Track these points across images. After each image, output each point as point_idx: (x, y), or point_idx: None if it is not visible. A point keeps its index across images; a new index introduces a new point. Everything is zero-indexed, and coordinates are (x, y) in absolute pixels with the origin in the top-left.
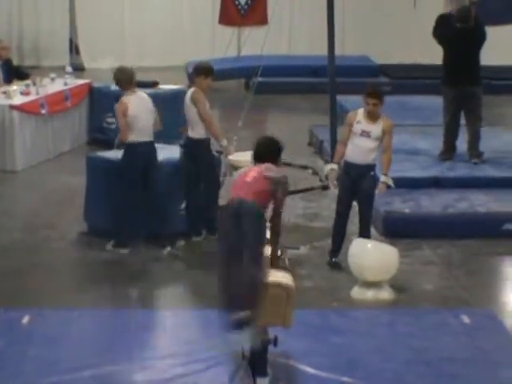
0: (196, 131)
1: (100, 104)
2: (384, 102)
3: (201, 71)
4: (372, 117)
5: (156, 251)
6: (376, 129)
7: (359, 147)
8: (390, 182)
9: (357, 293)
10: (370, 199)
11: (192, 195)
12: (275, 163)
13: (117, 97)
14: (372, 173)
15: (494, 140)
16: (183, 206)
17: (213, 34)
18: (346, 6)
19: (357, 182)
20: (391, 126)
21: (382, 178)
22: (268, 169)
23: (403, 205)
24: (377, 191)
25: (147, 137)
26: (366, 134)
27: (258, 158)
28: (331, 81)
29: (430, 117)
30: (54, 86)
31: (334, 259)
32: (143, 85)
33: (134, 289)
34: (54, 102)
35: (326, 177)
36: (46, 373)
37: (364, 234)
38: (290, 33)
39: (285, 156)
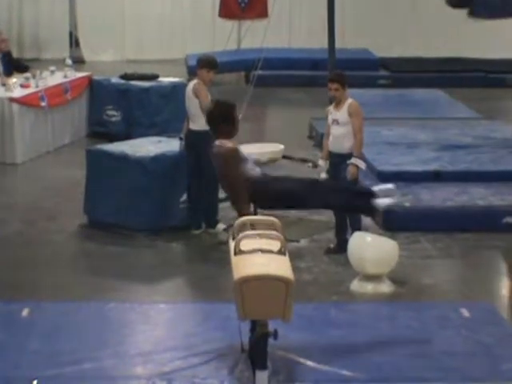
0: (197, 123)
1: (100, 97)
2: (347, 85)
3: (204, 64)
4: (337, 103)
5: (155, 244)
6: (342, 114)
7: (333, 136)
8: (361, 165)
9: (357, 286)
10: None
11: (192, 188)
12: (227, 128)
13: (117, 90)
14: (348, 162)
15: (493, 133)
16: (183, 198)
17: (213, 27)
18: None
19: (335, 171)
20: (356, 107)
21: (352, 160)
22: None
23: (403, 198)
24: (348, 175)
25: None
26: (335, 121)
27: (210, 124)
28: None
29: (429, 110)
30: (53, 78)
31: (330, 245)
32: (143, 77)
33: (133, 281)
34: (54, 95)
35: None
36: (46, 365)
37: (353, 226)
38: (290, 26)
39: (285, 149)
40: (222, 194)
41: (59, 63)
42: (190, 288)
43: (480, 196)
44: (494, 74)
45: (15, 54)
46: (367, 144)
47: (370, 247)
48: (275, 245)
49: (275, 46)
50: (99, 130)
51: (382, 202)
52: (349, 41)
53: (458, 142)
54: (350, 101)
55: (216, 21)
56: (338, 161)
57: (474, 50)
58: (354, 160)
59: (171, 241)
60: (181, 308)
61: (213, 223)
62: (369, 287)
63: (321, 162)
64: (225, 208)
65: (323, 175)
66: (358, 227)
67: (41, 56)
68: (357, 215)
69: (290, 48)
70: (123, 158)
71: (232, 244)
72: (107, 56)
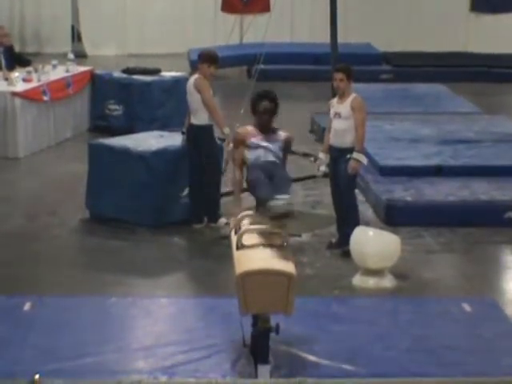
0: (198, 118)
1: (102, 91)
2: (352, 78)
3: (205, 59)
4: (341, 95)
5: (157, 239)
6: (345, 108)
7: (334, 129)
8: (362, 159)
9: (359, 281)
10: (347, 182)
11: (194, 182)
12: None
13: (119, 84)
14: (348, 156)
15: (495, 128)
16: (185, 193)
17: (215, 22)
18: None
19: (335, 165)
20: (359, 102)
21: (353, 155)
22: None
23: (405, 193)
24: (349, 169)
25: None
26: (337, 115)
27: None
28: (333, 68)
29: (432, 105)
30: (55, 72)
31: (332, 240)
32: (145, 72)
33: (135, 276)
34: (56, 89)
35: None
36: (47, 360)
37: (348, 220)
38: (292, 20)
39: None
40: (223, 189)
41: (61, 57)
42: (191, 282)
43: (482, 191)
44: (497, 69)
45: (17, 49)
46: (369, 139)
47: (372, 242)
48: (277, 239)
49: (277, 40)
50: (101, 125)
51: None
52: (351, 35)
53: (460, 136)
54: (353, 95)
55: (218, 15)
56: (337, 154)
57: (476, 45)
58: (355, 155)
59: (173, 235)
60: (182, 303)
61: (214, 218)
62: (371, 282)
63: (321, 155)
64: (226, 202)
65: (323, 168)
66: (356, 222)
67: (43, 50)
68: (354, 210)
69: (292, 42)
70: (125, 153)
71: (234, 238)
72: (109, 50)
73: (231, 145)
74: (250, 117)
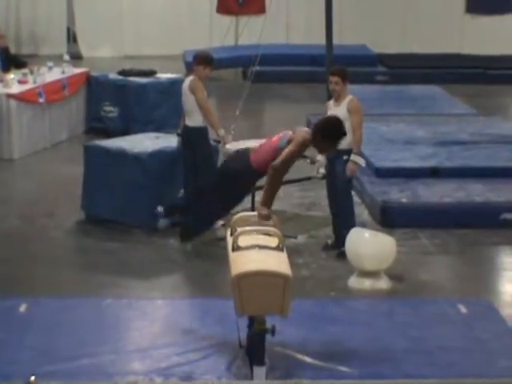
0: (193, 119)
1: (97, 93)
2: (347, 81)
3: (200, 60)
4: (337, 98)
5: (152, 241)
6: (341, 110)
7: None
8: (360, 162)
9: (354, 282)
10: (343, 184)
11: (189, 184)
12: (319, 141)
13: (115, 86)
14: (345, 157)
15: (492, 129)
16: (181, 194)
17: (210, 23)
18: None
19: (331, 167)
20: (355, 104)
21: (352, 157)
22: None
23: (400, 194)
24: (347, 171)
25: None
26: None
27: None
28: (329, 70)
29: (427, 106)
30: (51, 74)
31: (328, 241)
32: (141, 73)
33: (131, 278)
34: (52, 91)
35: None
36: (44, 361)
37: (344, 222)
38: (287, 21)
39: None
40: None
41: (57, 59)
42: (187, 284)
43: (477, 192)
44: (492, 71)
45: (13, 50)
46: (365, 140)
47: (368, 243)
48: (273, 241)
49: (273, 41)
50: (97, 126)
51: None
52: (346, 37)
53: (456, 138)
54: (350, 97)
55: (213, 17)
56: (334, 156)
57: (472, 46)
58: (353, 157)
59: (169, 237)
60: (178, 304)
61: None
62: (366, 283)
63: (319, 157)
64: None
65: (322, 170)
66: (352, 224)
67: (38, 52)
68: (350, 212)
69: (287, 44)
70: (121, 154)
71: (230, 240)
72: (105, 52)
73: (227, 145)
74: (246, 119)
